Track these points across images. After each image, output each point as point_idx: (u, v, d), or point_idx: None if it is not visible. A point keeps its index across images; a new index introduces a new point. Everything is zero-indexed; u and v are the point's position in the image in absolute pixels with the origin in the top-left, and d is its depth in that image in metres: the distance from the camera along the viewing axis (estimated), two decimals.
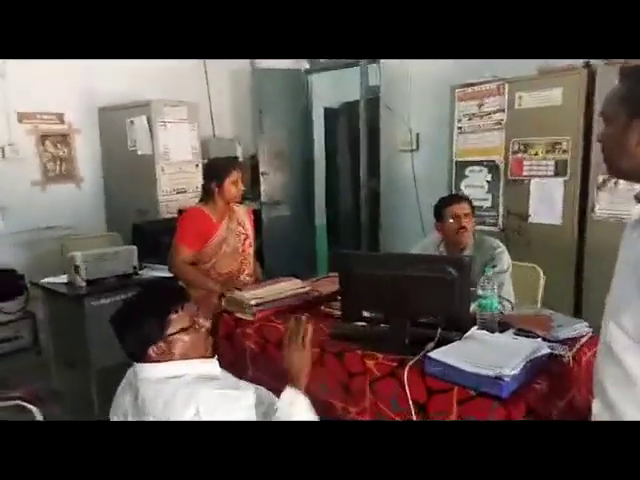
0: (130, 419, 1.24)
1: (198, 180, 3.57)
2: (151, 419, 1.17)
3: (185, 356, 1.27)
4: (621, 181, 2.57)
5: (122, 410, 1.28)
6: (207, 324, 1.36)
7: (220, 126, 4.22)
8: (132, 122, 3.51)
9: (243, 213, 2.47)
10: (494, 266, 1.97)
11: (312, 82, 4.53)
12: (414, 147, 3.78)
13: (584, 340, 1.59)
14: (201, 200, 2.40)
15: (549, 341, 1.52)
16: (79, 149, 3.77)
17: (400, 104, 3.81)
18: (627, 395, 0.96)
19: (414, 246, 2.39)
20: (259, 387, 1.38)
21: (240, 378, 1.38)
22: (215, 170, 2.34)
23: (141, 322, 1.25)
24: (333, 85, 4.70)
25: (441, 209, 2.19)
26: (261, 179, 4.25)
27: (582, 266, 2.73)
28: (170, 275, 2.46)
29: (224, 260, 2.32)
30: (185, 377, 1.23)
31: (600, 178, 2.66)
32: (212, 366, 1.32)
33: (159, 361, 1.25)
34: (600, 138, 1.03)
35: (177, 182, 3.48)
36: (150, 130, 3.41)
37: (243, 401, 1.21)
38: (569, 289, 2.76)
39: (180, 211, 3.22)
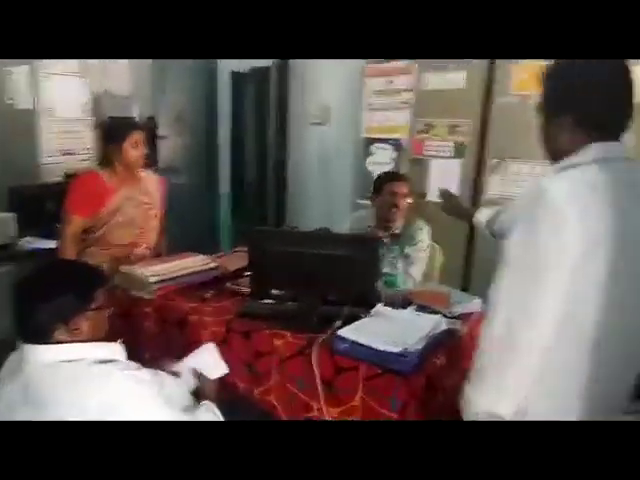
0: (18, 410, 1.09)
1: (88, 140, 3.25)
2: (49, 407, 1.05)
3: (90, 337, 1.16)
4: (512, 165, 2.78)
5: (5, 402, 1.12)
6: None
7: (115, 82, 3.83)
8: (10, 72, 3.06)
9: (153, 182, 2.28)
10: (415, 244, 2.06)
11: None
12: (323, 120, 3.75)
13: (476, 315, 1.71)
14: (100, 164, 2.19)
15: (447, 317, 1.61)
16: None
17: (311, 74, 3.74)
18: None
19: (349, 217, 2.44)
20: (158, 372, 1.32)
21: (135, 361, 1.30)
22: (113, 131, 2.13)
23: (65, 294, 1.12)
24: None
25: (380, 184, 2.21)
26: (160, 143, 3.98)
27: (473, 244, 2.93)
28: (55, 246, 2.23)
29: (117, 231, 2.13)
30: (84, 360, 1.11)
31: (493, 161, 2.84)
32: (115, 350, 1.20)
33: (60, 342, 1.12)
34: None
35: (64, 142, 3.12)
36: (33, 83, 3.00)
37: (149, 384, 1.14)
38: (460, 265, 2.95)
39: (67, 175, 2.91)
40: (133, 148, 2.08)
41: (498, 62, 2.73)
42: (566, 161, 1.04)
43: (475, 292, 1.96)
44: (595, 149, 1.01)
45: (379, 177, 2.28)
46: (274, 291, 1.68)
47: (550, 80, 1.07)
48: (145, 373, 1.16)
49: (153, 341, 1.79)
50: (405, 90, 3.07)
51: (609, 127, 1.03)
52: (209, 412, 1.28)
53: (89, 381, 1.07)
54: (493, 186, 2.86)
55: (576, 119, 1.03)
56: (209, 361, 1.43)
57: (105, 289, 1.23)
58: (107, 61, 3.69)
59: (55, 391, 1.06)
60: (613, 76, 1.01)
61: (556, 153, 1.09)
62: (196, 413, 1.26)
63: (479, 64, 2.78)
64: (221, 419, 1.28)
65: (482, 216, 1.60)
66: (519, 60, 2.63)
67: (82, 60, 3.28)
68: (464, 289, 2.73)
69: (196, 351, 1.45)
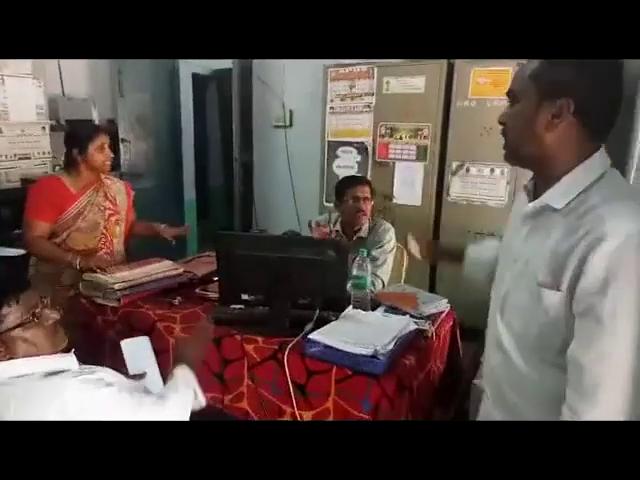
0: None
1: (45, 144, 3.13)
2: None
3: (28, 355, 1.10)
4: (472, 168, 2.86)
5: None
6: (54, 315, 1.17)
7: (72, 84, 3.70)
8: None
9: (117, 188, 2.25)
10: (381, 246, 2.08)
11: None
12: (287, 123, 3.76)
13: (443, 315, 1.75)
14: (63, 169, 2.15)
15: (415, 317, 1.65)
16: None
17: (274, 77, 3.75)
18: (516, 388, 0.97)
19: (313, 220, 2.41)
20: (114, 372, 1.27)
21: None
22: (76, 136, 2.09)
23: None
24: None
25: (342, 189, 2.21)
26: (121, 147, 3.88)
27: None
28: (14, 254, 2.16)
29: (78, 235, 2.09)
30: (34, 375, 1.07)
31: (454, 164, 2.92)
32: (68, 362, 1.16)
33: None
34: (503, 119, 0.95)
35: (19, 146, 3.00)
36: None
37: (105, 381, 1.10)
38: (426, 265, 3.02)
39: (24, 180, 2.81)
40: (99, 152, 2.06)
41: (456, 67, 2.81)
42: (580, 171, 0.87)
43: (441, 293, 2.01)
44: (604, 156, 0.88)
45: (340, 183, 2.28)
46: (244, 296, 1.67)
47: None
48: (108, 375, 1.12)
49: (114, 351, 1.74)
50: (367, 94, 3.12)
51: (606, 131, 0.89)
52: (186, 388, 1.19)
53: (42, 395, 1.03)
54: (455, 188, 2.94)
55: (578, 103, 0.85)
56: (140, 355, 1.41)
57: (23, 304, 1.13)
58: (63, 62, 3.58)
59: (9, 409, 1.02)
60: (618, 83, 0.87)
61: (532, 152, 0.91)
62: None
63: (437, 69, 2.85)
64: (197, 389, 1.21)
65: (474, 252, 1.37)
66: (476, 65, 2.73)
67: (36, 61, 3.16)
68: (431, 290, 2.79)
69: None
